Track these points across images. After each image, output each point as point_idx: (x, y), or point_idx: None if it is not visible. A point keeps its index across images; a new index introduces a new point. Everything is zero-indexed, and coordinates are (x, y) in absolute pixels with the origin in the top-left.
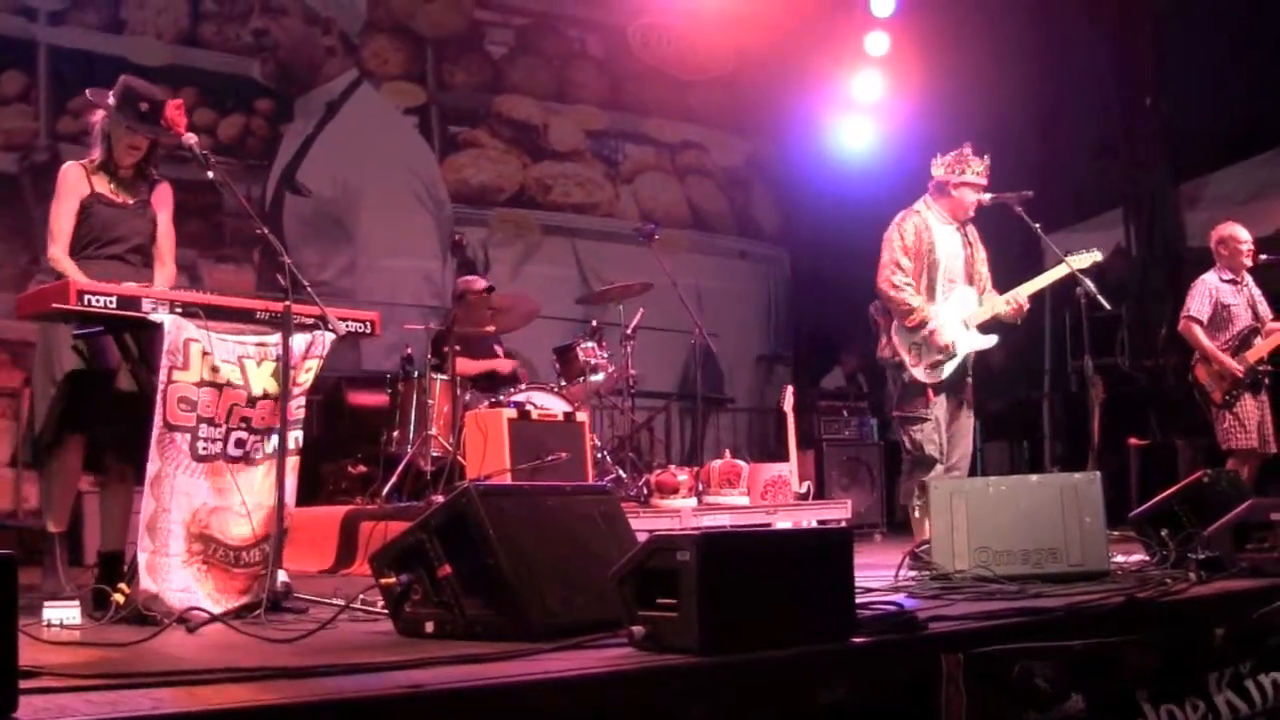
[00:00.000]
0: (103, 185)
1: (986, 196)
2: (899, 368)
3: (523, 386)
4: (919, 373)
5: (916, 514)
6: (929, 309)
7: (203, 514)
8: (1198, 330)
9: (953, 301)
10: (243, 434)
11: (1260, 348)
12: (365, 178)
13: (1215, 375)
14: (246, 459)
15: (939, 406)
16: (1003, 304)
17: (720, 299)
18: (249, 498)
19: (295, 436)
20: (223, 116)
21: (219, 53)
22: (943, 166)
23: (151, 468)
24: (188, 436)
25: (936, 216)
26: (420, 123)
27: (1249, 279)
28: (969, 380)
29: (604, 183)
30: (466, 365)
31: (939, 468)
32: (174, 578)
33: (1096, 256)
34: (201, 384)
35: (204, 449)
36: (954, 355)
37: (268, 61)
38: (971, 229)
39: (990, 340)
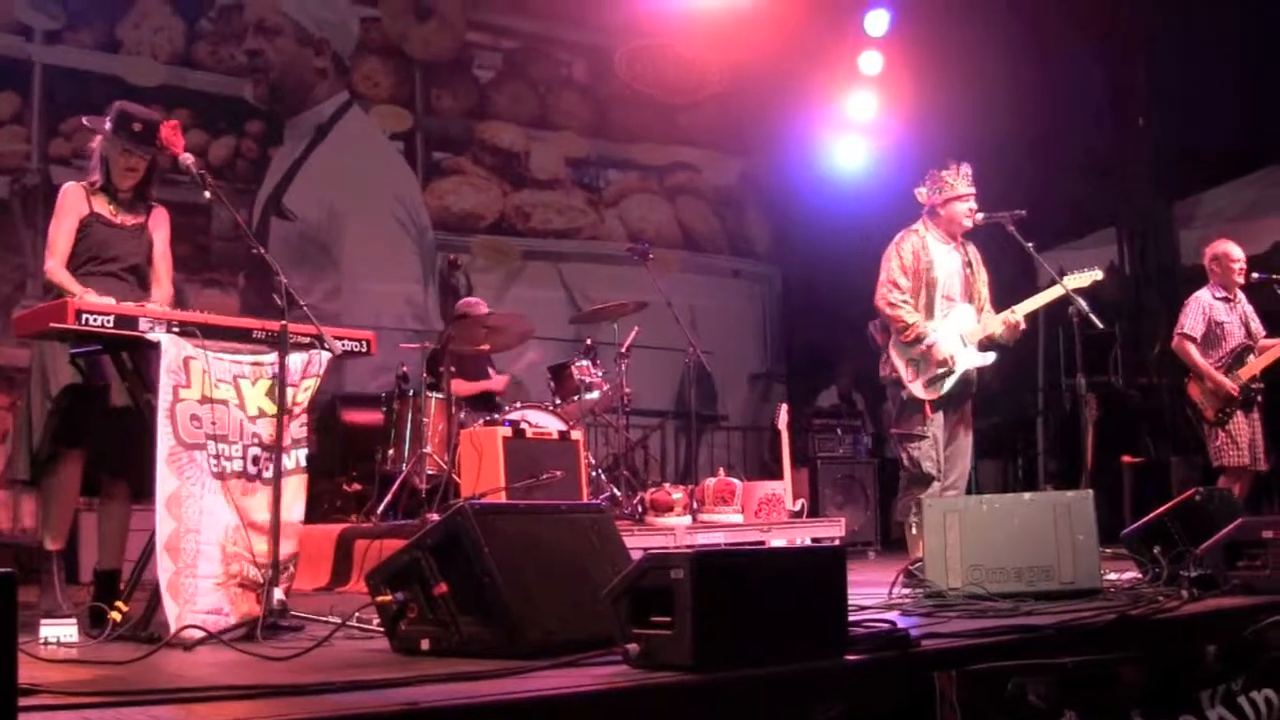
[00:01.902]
0: (102, 206)
1: (980, 216)
2: (898, 385)
3: (517, 405)
4: (917, 389)
5: (913, 530)
6: (925, 325)
7: (231, 532)
8: (1191, 348)
9: (951, 319)
10: (257, 450)
11: (1254, 365)
12: (350, 202)
13: (1208, 393)
14: (260, 477)
15: (937, 424)
16: (999, 323)
17: (714, 318)
18: (270, 516)
19: (301, 455)
20: (214, 138)
21: (213, 73)
22: (925, 190)
23: (166, 486)
24: (204, 454)
25: (935, 236)
26: (406, 148)
27: (1242, 296)
28: (969, 399)
29: (585, 209)
30: (461, 386)
31: (936, 485)
32: (203, 600)
33: (1097, 275)
34: (204, 400)
35: (216, 466)
36: (953, 371)
37: (260, 83)
38: (973, 250)
39: (989, 357)
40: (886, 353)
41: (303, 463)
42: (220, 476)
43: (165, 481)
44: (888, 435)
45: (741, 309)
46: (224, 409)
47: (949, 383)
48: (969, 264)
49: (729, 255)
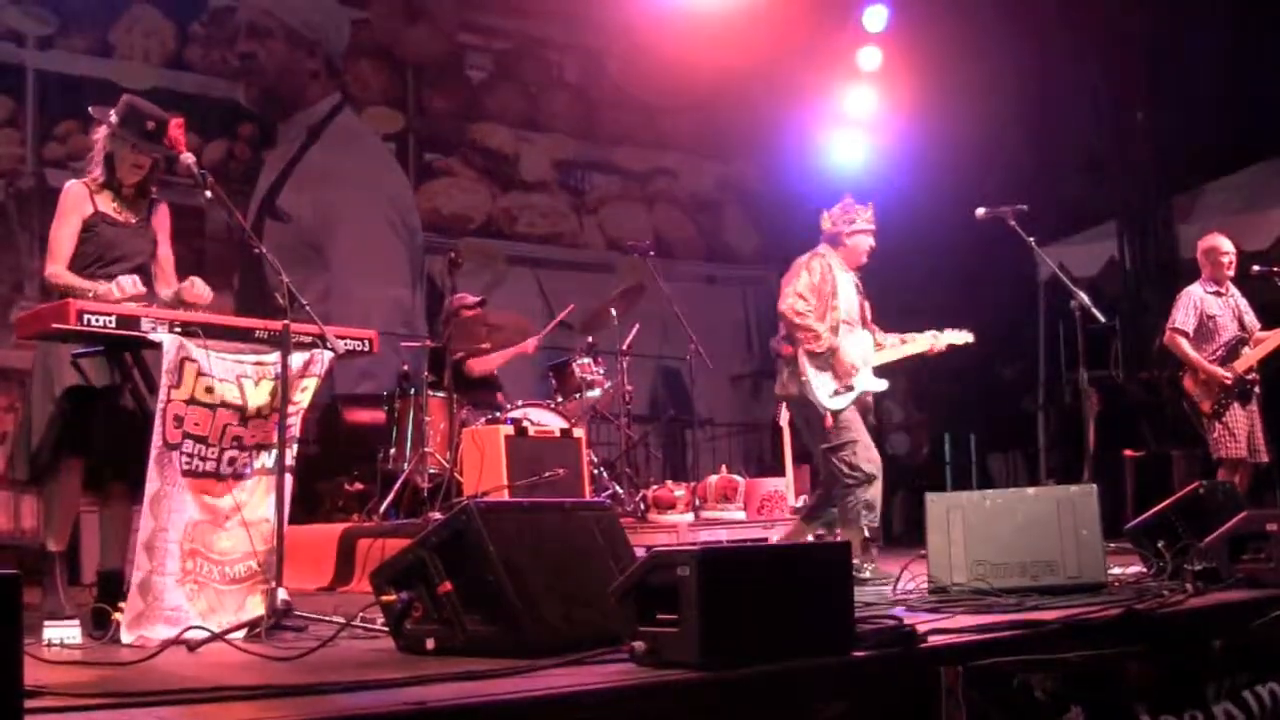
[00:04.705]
0: (106, 204)
1: (981, 210)
2: (805, 402)
3: (519, 403)
4: (825, 399)
5: (866, 533)
6: (833, 338)
7: (191, 530)
8: (1183, 342)
9: (853, 341)
10: (234, 452)
11: (1248, 357)
12: (343, 204)
13: (1203, 385)
14: (236, 475)
15: (856, 426)
16: (896, 353)
17: (688, 323)
18: (237, 513)
19: (281, 454)
20: (206, 141)
21: (205, 76)
22: (832, 220)
23: (151, 486)
24: (178, 454)
25: (837, 263)
26: (398, 149)
27: (1234, 290)
28: (869, 403)
29: (569, 213)
30: (479, 364)
31: (878, 481)
32: (167, 597)
33: (968, 338)
34: (191, 402)
35: (188, 465)
36: (854, 389)
37: (252, 85)
38: (857, 280)
39: (883, 384)
40: (796, 366)
41: (275, 462)
42: (191, 475)
43: (151, 482)
44: (813, 449)
45: (717, 313)
46: (210, 410)
47: (846, 399)
48: (861, 293)
49: (704, 261)
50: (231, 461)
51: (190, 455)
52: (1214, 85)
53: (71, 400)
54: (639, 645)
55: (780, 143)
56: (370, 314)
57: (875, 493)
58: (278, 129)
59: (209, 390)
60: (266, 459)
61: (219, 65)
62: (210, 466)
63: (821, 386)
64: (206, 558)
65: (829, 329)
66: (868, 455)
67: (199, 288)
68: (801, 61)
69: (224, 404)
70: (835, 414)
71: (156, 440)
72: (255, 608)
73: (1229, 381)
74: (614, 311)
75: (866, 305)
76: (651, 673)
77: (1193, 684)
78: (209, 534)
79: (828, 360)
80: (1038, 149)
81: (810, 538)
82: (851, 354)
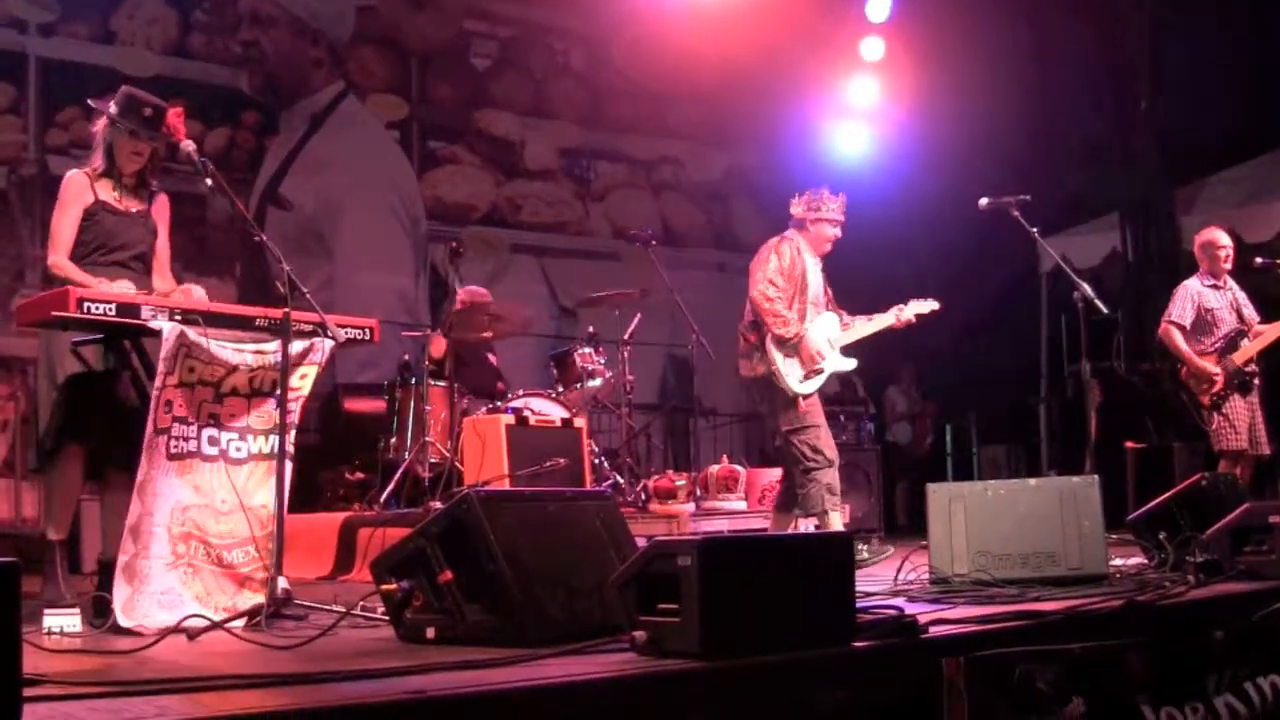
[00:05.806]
0: (106, 192)
1: (984, 201)
2: (770, 383)
3: (520, 392)
4: (795, 384)
5: (831, 515)
6: (798, 324)
7: (179, 513)
8: (1176, 334)
9: (819, 324)
10: (228, 435)
11: (1247, 349)
12: (346, 193)
13: (1194, 378)
14: (229, 458)
15: (819, 412)
16: (864, 330)
17: (695, 312)
18: (231, 497)
19: (278, 441)
20: (209, 129)
21: (208, 64)
22: (801, 205)
23: (140, 472)
24: (165, 438)
25: (804, 247)
26: (401, 137)
27: (1232, 283)
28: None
29: (574, 202)
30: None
31: (835, 467)
32: (156, 581)
33: (934, 305)
34: (181, 385)
35: (176, 449)
36: (823, 371)
37: (255, 73)
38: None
39: (851, 363)
40: (763, 350)
41: (275, 448)
42: (178, 458)
43: (141, 467)
44: (777, 432)
45: (725, 302)
46: (203, 391)
47: (818, 381)
48: (825, 278)
49: (713, 249)
50: (225, 444)
51: (178, 438)
52: (1218, 76)
53: (72, 388)
54: (640, 635)
55: (784, 132)
56: (372, 303)
57: (835, 476)
58: (280, 117)
59: (206, 375)
60: (265, 444)
61: (222, 53)
62: (199, 448)
63: (790, 372)
64: (202, 541)
65: (797, 315)
66: (829, 440)
67: (196, 294)
68: (805, 51)
69: (219, 389)
70: (805, 398)
71: (149, 426)
72: (253, 593)
73: (1217, 377)
74: (617, 313)
75: (829, 294)
76: (652, 663)
77: (1194, 676)
78: (202, 517)
79: (794, 347)
80: (1040, 139)
81: (805, 526)
82: (816, 340)
